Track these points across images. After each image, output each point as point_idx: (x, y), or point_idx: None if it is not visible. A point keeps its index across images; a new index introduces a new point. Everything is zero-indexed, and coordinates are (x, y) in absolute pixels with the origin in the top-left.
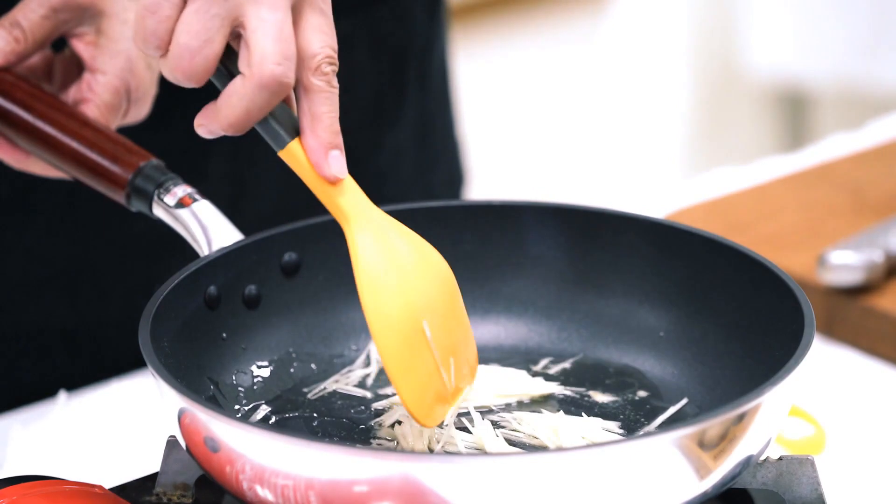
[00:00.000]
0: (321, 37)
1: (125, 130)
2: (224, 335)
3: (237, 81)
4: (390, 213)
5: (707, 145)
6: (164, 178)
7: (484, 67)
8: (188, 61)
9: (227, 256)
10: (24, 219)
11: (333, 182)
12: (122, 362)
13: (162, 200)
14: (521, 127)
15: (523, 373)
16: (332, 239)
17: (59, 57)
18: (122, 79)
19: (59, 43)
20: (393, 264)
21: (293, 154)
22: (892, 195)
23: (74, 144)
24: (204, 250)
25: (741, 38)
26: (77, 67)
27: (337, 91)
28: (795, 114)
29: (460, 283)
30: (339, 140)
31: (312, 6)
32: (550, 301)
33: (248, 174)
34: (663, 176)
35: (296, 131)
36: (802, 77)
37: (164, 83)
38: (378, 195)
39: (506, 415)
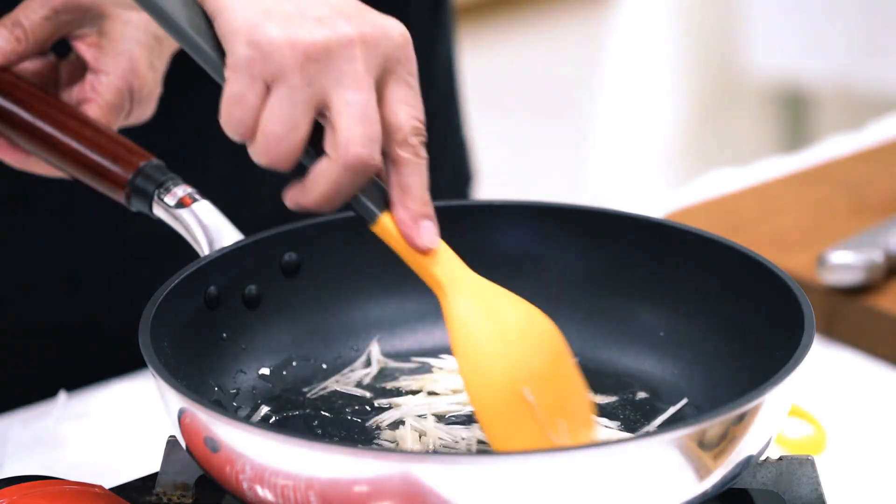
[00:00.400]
0: (407, 109)
1: (126, 130)
2: (224, 335)
3: (323, 163)
4: None
5: (707, 145)
6: (164, 177)
7: (484, 67)
8: (275, 148)
9: (228, 256)
10: (24, 217)
11: (426, 252)
12: (122, 362)
13: (162, 200)
14: (521, 126)
15: None
16: (332, 239)
17: (64, 62)
18: (124, 79)
19: (64, 48)
20: (492, 331)
21: (384, 227)
22: (892, 195)
23: (75, 144)
24: (204, 250)
25: (741, 38)
26: (82, 72)
27: (425, 161)
28: (795, 114)
29: None
30: (430, 210)
31: (397, 79)
32: (550, 301)
33: (248, 174)
34: (664, 176)
35: (386, 204)
36: (802, 77)
37: (166, 82)
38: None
39: None
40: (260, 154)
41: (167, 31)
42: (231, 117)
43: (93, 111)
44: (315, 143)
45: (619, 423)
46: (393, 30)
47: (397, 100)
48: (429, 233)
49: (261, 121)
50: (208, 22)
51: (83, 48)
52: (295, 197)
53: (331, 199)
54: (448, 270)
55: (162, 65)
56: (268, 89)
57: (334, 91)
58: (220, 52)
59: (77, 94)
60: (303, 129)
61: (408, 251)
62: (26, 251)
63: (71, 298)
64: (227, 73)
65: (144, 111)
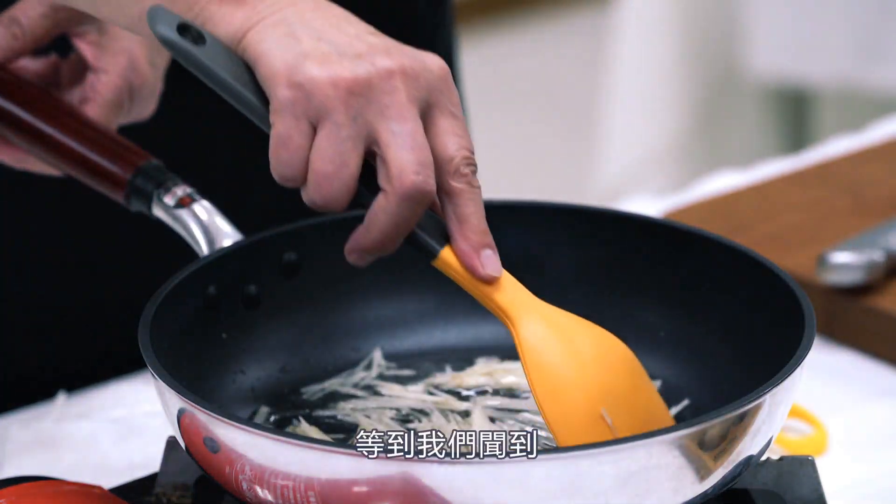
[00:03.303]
0: (455, 139)
1: (126, 129)
2: (224, 336)
3: (380, 198)
4: None
5: (707, 145)
6: (163, 178)
7: (484, 67)
8: (327, 187)
9: (227, 257)
10: (21, 205)
11: (490, 282)
12: (122, 353)
13: (161, 200)
14: (520, 126)
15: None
16: (331, 239)
17: (65, 62)
18: (124, 77)
19: (66, 48)
20: (564, 354)
21: (446, 262)
22: (893, 195)
23: (74, 144)
24: (204, 251)
25: (742, 38)
26: (83, 71)
27: (480, 190)
28: (796, 114)
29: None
30: (490, 239)
31: (442, 111)
32: (550, 301)
33: (248, 174)
34: (664, 176)
35: (445, 238)
36: (803, 77)
37: (167, 81)
38: None
39: (508, 401)
40: (313, 194)
41: (210, 83)
42: (280, 161)
43: (93, 110)
44: (369, 184)
45: None
46: (432, 62)
47: (444, 131)
48: (491, 262)
49: (310, 161)
50: (249, 71)
51: (83, 46)
52: (356, 244)
53: (392, 236)
54: (513, 297)
55: (163, 62)
56: (314, 130)
57: (380, 124)
58: (264, 99)
59: (78, 93)
60: (353, 166)
61: (471, 282)
62: (26, 240)
63: (67, 285)
64: (272, 118)
65: (145, 109)
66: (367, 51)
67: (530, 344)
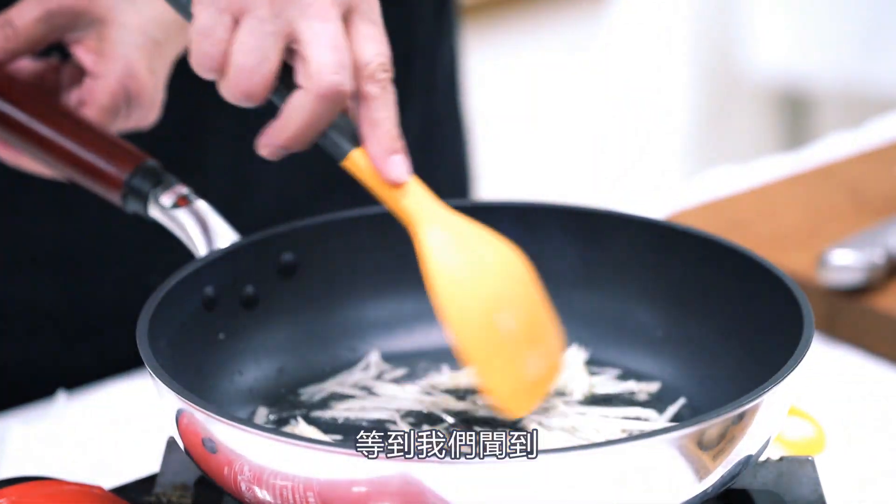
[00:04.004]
0: (373, 45)
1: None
2: (221, 336)
3: (298, 95)
4: (387, 213)
5: (707, 145)
6: (160, 178)
7: (484, 67)
8: (246, 81)
9: (224, 257)
10: (17, 201)
11: (397, 186)
12: (117, 349)
13: (158, 201)
14: (521, 126)
15: None
16: (329, 239)
17: (66, 66)
18: (120, 83)
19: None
20: (465, 261)
21: (355, 162)
22: (892, 195)
23: (70, 145)
24: (201, 251)
25: (741, 37)
26: (83, 75)
27: (393, 96)
28: (795, 114)
29: None
30: (400, 143)
31: (362, 16)
32: (548, 301)
33: (246, 174)
34: (664, 176)
35: (356, 140)
36: (802, 77)
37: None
38: None
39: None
40: (231, 88)
41: None
42: (200, 52)
43: (89, 114)
44: (286, 80)
45: (617, 424)
46: None
47: (363, 36)
48: (399, 166)
49: (230, 54)
50: None
51: (81, 53)
52: (269, 139)
53: (306, 134)
54: (419, 203)
55: (163, 69)
56: (236, 23)
57: (302, 22)
58: None
59: (75, 97)
60: (273, 61)
61: (379, 185)
62: (22, 235)
63: (62, 281)
64: (195, 8)
65: (147, 115)
66: None
67: (432, 247)
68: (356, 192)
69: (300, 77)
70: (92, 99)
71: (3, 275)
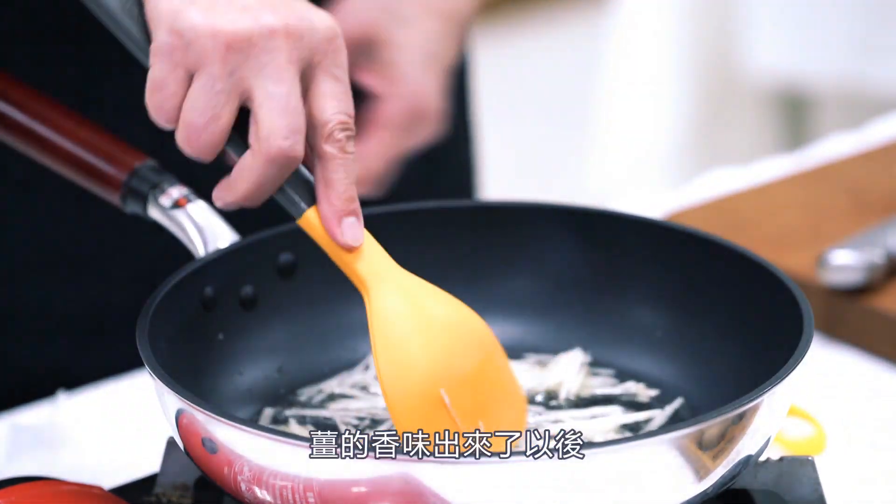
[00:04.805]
0: (334, 103)
1: (126, 129)
2: (221, 336)
3: (247, 156)
4: (387, 213)
5: (707, 145)
6: (159, 178)
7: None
8: (195, 138)
9: (224, 258)
10: (33, 200)
11: (349, 249)
12: (128, 351)
13: (157, 201)
14: (520, 126)
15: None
16: None
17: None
18: (410, 102)
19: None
20: (413, 328)
21: (309, 222)
22: (892, 195)
23: (69, 145)
24: (200, 251)
25: (741, 38)
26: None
27: (352, 157)
28: (795, 114)
29: (457, 283)
30: (354, 206)
31: (325, 72)
32: (547, 301)
33: None
34: (664, 176)
35: (312, 199)
36: (802, 77)
37: None
38: (385, 195)
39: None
40: (182, 142)
41: (98, 14)
42: (153, 103)
43: (384, 137)
44: (243, 135)
45: (616, 423)
46: (320, 22)
47: (323, 93)
48: (352, 229)
49: (182, 111)
50: (139, 6)
51: (368, 78)
52: (222, 194)
53: (256, 194)
54: (372, 266)
55: (441, 81)
56: (191, 78)
57: (256, 82)
58: (149, 37)
59: (364, 119)
60: (224, 120)
61: (332, 247)
62: (35, 235)
63: (75, 283)
64: (151, 59)
65: (435, 129)
66: (254, 4)
67: (378, 313)
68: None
69: (251, 137)
70: (385, 121)
71: (18, 278)
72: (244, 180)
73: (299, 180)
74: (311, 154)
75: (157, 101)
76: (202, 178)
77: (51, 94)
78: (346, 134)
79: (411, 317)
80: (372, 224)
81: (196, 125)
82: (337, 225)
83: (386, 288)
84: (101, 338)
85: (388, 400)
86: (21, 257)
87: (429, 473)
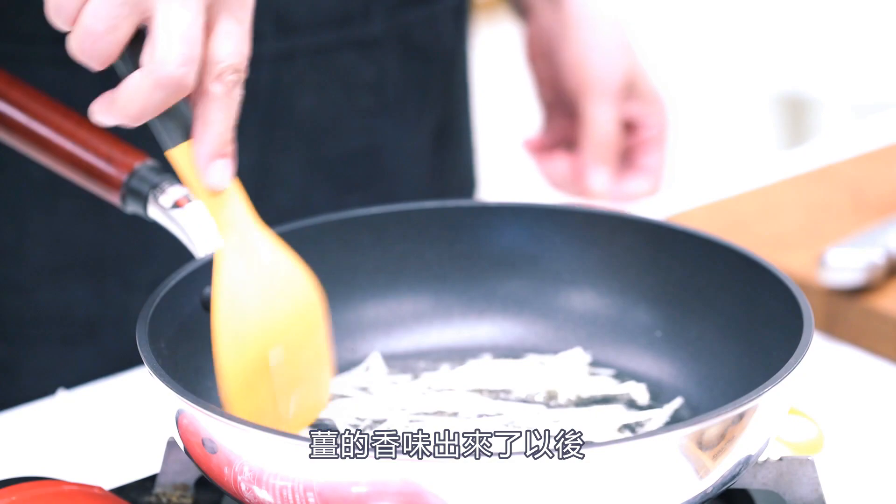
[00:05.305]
0: (231, 44)
1: (129, 129)
2: None
3: (136, 75)
4: (387, 213)
5: (707, 145)
6: (159, 178)
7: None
8: (90, 45)
9: None
10: (53, 203)
11: (213, 191)
12: (119, 351)
13: (157, 201)
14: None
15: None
16: (327, 240)
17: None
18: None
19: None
20: (253, 287)
21: (177, 157)
22: (892, 195)
23: (69, 146)
24: (199, 252)
25: (741, 38)
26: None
27: (236, 101)
28: (795, 114)
29: (457, 283)
30: (228, 149)
31: (229, 12)
32: (547, 301)
33: (270, 168)
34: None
35: (188, 134)
36: (802, 77)
37: None
38: (392, 195)
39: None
40: (74, 47)
41: None
42: (56, 3)
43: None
44: (135, 52)
45: (616, 423)
46: None
47: (224, 33)
48: (220, 172)
49: (81, 13)
50: None
51: (632, 112)
52: (102, 108)
53: (136, 115)
54: (229, 215)
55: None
56: None
57: (161, 4)
58: None
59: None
60: (122, 32)
61: (196, 185)
62: (57, 239)
63: (95, 287)
64: None
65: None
66: None
67: (225, 265)
68: (375, 194)
69: (144, 57)
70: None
71: (38, 281)
72: (129, 99)
73: (179, 112)
74: (197, 91)
75: (60, 0)
76: None
77: (73, 94)
78: (235, 77)
79: (255, 273)
80: (372, 224)
81: (93, 31)
82: (207, 165)
83: (237, 237)
84: (123, 344)
85: (216, 349)
86: (40, 261)
87: (429, 473)
